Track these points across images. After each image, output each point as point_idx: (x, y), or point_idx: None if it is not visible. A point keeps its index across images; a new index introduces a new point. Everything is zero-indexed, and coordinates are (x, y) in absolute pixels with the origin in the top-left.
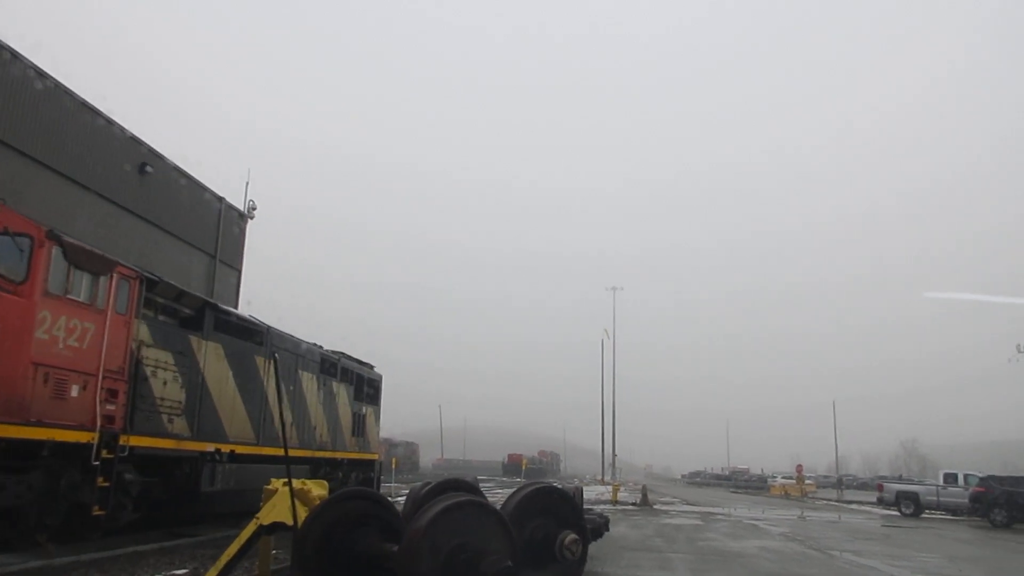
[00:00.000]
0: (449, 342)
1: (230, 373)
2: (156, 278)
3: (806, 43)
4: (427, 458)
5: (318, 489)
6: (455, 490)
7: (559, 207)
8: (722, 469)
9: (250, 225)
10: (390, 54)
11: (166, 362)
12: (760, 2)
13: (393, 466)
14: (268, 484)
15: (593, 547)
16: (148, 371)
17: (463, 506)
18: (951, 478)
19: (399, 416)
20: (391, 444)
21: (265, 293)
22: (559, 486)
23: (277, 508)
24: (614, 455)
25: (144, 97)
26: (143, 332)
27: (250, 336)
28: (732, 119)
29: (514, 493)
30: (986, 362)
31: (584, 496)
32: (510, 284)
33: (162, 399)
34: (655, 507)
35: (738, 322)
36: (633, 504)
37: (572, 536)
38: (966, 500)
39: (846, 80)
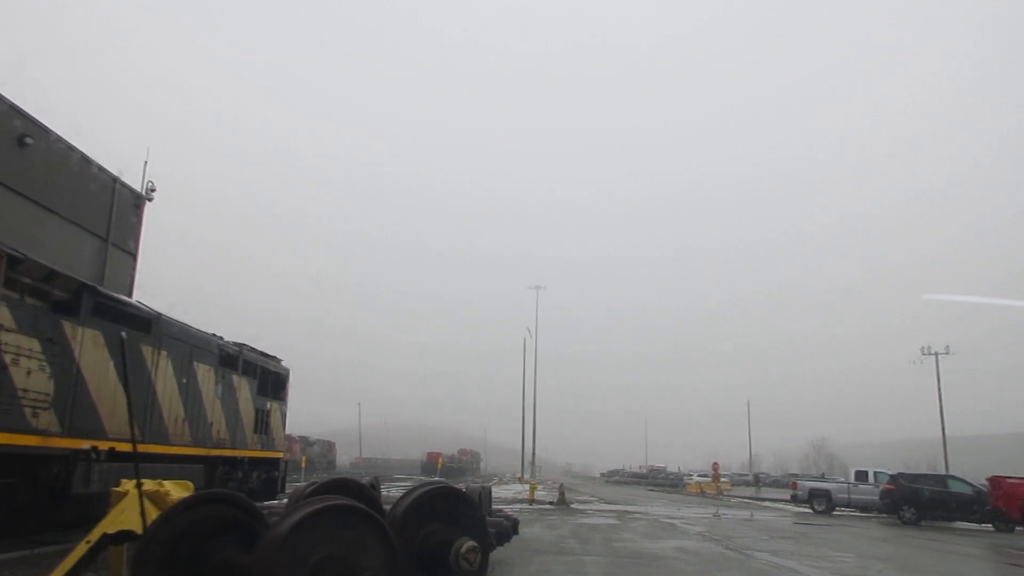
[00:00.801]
0: (373, 339)
1: (111, 363)
2: (20, 255)
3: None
4: (345, 457)
5: (179, 491)
6: (343, 491)
7: (496, 207)
8: (640, 467)
9: (167, 210)
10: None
11: (31, 349)
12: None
13: (303, 465)
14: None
15: (502, 551)
16: (8, 359)
17: (334, 511)
18: (862, 476)
19: (318, 413)
20: (307, 442)
21: (177, 280)
22: (461, 487)
23: (126, 514)
24: (533, 453)
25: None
26: (3, 315)
27: (136, 323)
28: (683, 136)
29: (405, 495)
30: (891, 365)
31: (498, 496)
32: (439, 282)
33: (25, 390)
34: (572, 506)
35: (660, 331)
36: (550, 503)
37: (470, 544)
38: (876, 497)
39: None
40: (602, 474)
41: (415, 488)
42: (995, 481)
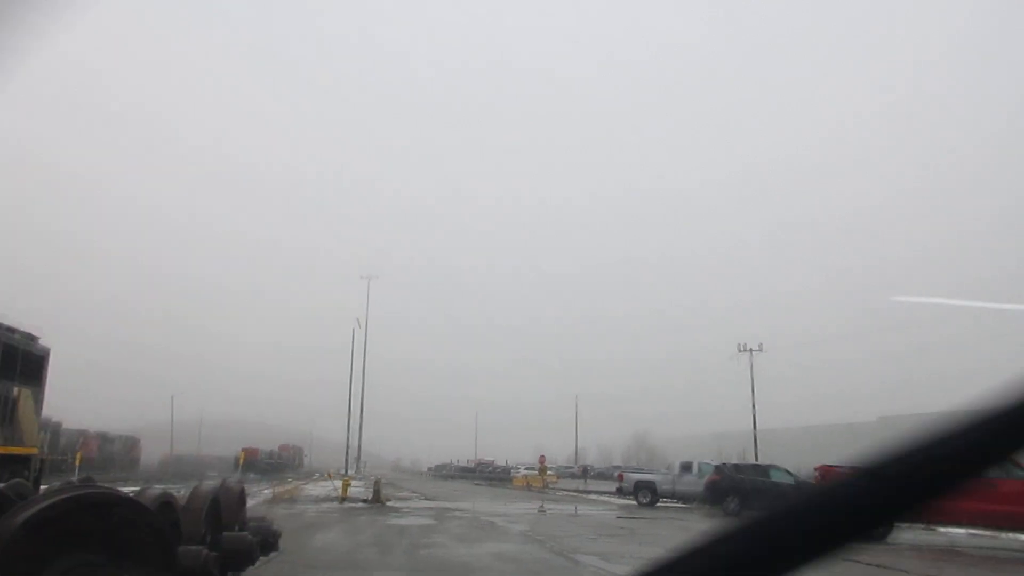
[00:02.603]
0: (190, 328)
1: None
2: None
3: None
4: (155, 454)
5: None
6: None
7: (323, 199)
8: (468, 461)
9: None
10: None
11: None
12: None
13: (77, 462)
14: None
15: (265, 571)
16: None
17: None
18: (687, 467)
19: (122, 406)
20: (106, 439)
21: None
22: (187, 489)
23: None
24: (359, 447)
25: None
26: None
27: None
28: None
29: (23, 507)
30: (709, 360)
31: (310, 494)
32: (266, 275)
33: None
34: (388, 504)
35: (496, 340)
36: (364, 501)
37: None
38: (700, 488)
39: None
40: (429, 469)
41: (40, 498)
42: (824, 471)
